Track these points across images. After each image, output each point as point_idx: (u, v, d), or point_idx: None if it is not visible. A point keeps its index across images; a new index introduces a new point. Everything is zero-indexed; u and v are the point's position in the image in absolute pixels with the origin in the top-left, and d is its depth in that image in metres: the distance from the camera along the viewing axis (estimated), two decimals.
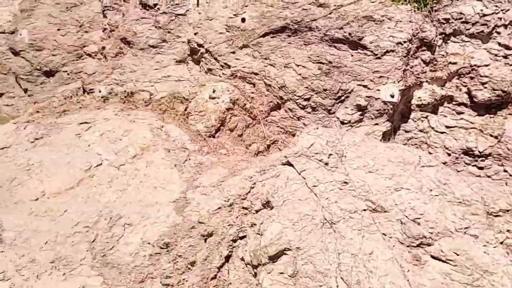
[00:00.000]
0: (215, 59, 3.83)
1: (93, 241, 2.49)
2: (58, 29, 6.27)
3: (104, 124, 3.36)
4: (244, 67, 3.62)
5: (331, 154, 2.27)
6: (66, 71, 5.93)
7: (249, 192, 2.30)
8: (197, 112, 3.38)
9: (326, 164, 2.22)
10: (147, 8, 4.60)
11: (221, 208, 2.32)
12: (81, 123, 3.45)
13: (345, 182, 2.13)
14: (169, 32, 4.34)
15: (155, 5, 4.49)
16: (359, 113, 3.07)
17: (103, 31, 5.58)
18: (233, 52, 3.76)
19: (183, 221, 2.44)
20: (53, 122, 3.64)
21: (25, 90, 5.90)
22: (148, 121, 3.32)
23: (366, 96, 3.06)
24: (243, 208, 2.25)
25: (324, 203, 2.04)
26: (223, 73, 3.75)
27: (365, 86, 3.08)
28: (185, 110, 3.54)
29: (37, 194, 2.76)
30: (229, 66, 3.72)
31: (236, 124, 3.28)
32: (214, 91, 3.38)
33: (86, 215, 2.61)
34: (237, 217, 2.22)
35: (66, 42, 6.11)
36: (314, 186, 2.11)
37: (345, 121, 3.07)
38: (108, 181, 2.84)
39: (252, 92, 3.43)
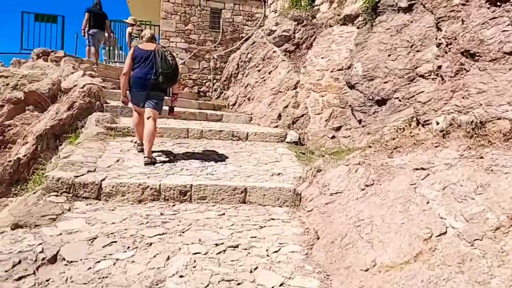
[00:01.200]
0: None
1: None
2: (389, 55, 5.92)
3: (446, 172, 2.47)
4: None
5: None
6: (398, 98, 5.44)
7: None
8: None
9: None
10: (498, 4, 3.32)
11: None
12: (416, 169, 2.71)
13: None
14: None
15: None
16: None
17: (437, 47, 4.68)
18: None
19: None
20: (384, 164, 3.12)
21: (359, 121, 5.90)
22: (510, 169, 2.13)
23: None
24: None
25: None
26: None
27: None
28: None
29: (367, 262, 2.25)
30: None
31: None
32: None
33: None
34: None
35: (396, 67, 5.65)
36: None
37: None
38: (458, 262, 1.93)
39: None
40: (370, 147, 4.24)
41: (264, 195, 3.53)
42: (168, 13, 10.48)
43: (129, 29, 8.93)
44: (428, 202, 2.35)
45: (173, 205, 3.38)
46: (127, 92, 4.35)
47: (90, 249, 2.47)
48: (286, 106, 6.70)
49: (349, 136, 5.93)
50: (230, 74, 9.31)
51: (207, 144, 5.27)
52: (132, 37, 8.72)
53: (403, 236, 2.24)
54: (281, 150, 5.27)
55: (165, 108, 4.68)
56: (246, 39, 10.25)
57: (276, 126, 6.51)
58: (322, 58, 6.99)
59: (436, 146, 3.00)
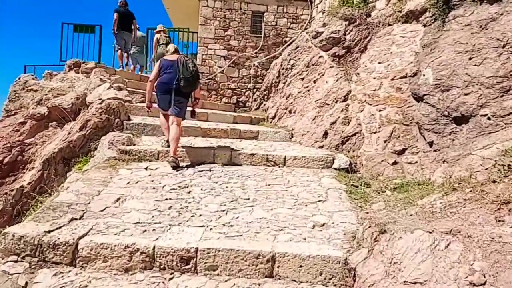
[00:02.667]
0: None
1: None
2: (470, 58, 4.48)
3: None
4: None
5: None
6: (486, 115, 4.01)
7: None
8: None
9: None
10: None
11: None
12: None
13: None
14: None
15: None
16: None
17: None
18: None
19: None
20: (497, 238, 1.87)
21: (430, 144, 4.52)
22: None
23: None
24: None
25: None
26: None
27: None
28: None
29: None
30: None
31: None
32: None
33: None
34: None
35: (482, 74, 4.21)
36: None
37: None
38: None
39: None
40: (455, 190, 2.95)
41: (301, 266, 2.40)
42: (207, 19, 9.68)
43: (157, 36, 8.34)
44: None
45: (171, 278, 2.36)
46: (154, 96, 4.68)
47: None
48: (334, 122, 5.49)
49: (416, 162, 4.57)
50: (270, 83, 8.25)
51: (235, 172, 4.23)
52: (159, 44, 8.12)
53: None
54: (326, 181, 4.09)
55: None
56: (290, 44, 9.13)
57: (322, 146, 5.31)
58: (379, 63, 5.67)
59: None
